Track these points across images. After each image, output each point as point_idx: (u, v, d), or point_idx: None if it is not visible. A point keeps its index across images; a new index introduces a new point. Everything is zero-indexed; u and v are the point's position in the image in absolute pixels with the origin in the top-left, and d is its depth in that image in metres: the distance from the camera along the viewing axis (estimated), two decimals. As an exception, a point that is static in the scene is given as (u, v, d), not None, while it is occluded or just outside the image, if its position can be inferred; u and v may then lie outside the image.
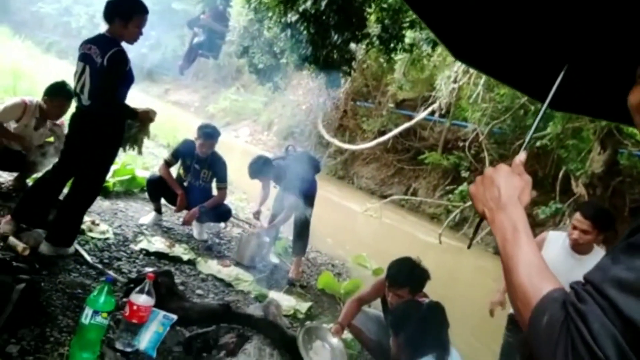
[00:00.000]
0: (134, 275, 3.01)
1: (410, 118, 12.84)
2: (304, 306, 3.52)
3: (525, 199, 0.88)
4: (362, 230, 9.49)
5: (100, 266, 2.87)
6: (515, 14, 1.36)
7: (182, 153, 4.16)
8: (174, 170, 4.30)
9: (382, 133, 13.00)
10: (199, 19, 6.37)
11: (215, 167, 4.23)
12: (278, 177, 4.11)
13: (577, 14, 1.24)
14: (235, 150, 13.35)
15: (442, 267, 7.68)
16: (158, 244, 3.53)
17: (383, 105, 13.70)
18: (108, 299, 2.06)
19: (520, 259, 0.77)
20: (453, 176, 12.14)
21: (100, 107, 2.76)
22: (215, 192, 4.36)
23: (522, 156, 0.96)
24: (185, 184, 4.18)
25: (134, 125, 2.96)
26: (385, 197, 12.38)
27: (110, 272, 2.83)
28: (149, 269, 3.10)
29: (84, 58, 2.75)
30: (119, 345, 2.17)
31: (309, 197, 4.15)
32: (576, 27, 1.28)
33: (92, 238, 3.23)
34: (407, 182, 13.22)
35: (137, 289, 2.24)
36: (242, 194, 7.77)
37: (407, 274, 2.61)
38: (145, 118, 2.96)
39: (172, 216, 4.37)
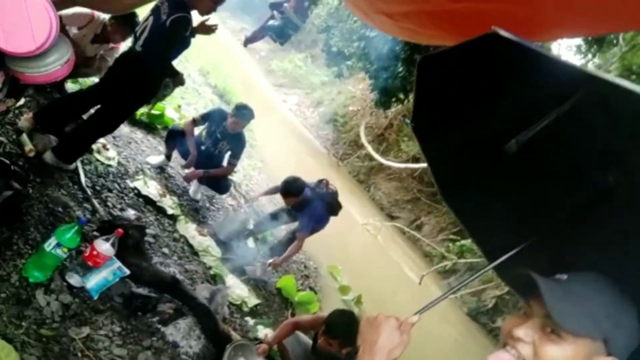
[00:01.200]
0: (116, 211, 3.20)
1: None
2: (252, 301, 3.68)
3: (394, 355, 1.01)
4: (352, 242, 9.59)
5: (89, 192, 3.06)
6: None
7: (211, 119, 4.32)
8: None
9: (415, 159, 12.95)
10: (281, 4, 6.44)
11: (236, 143, 4.37)
12: (299, 204, 4.23)
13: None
14: (276, 114, 13.49)
15: (407, 308, 7.76)
16: (152, 188, 3.71)
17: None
18: (74, 237, 2.24)
19: None
20: (461, 228, 12.09)
21: (150, 58, 2.92)
22: (225, 163, 4.51)
23: (414, 319, 1.08)
24: (202, 146, 4.33)
25: (169, 85, 3.12)
26: (392, 217, 12.43)
27: (96, 204, 3.00)
28: (131, 212, 3.31)
29: (154, 10, 2.90)
30: (68, 277, 2.36)
31: (315, 230, 4.34)
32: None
33: (97, 160, 3.42)
34: (418, 213, 13.20)
35: (104, 237, 2.42)
36: (259, 162, 7.91)
37: (342, 329, 2.75)
38: (178, 84, 3.13)
39: (178, 166, 4.55)
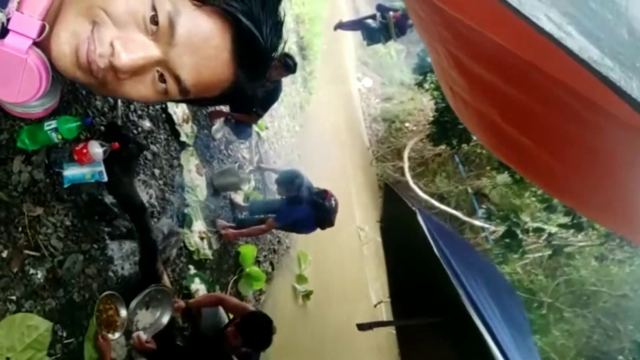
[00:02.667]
0: (134, 116, 3.30)
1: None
2: (205, 253, 3.81)
3: None
4: (338, 239, 9.66)
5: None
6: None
7: None
8: None
9: (441, 198, 12.84)
10: (388, 10, 6.32)
11: (268, 94, 4.37)
12: (290, 198, 4.30)
13: None
14: (345, 87, 13.39)
15: (346, 323, 7.87)
16: (179, 110, 3.80)
17: (467, 183, 13.39)
18: (72, 130, 2.34)
19: None
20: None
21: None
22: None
23: None
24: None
25: None
26: (388, 236, 12.46)
27: (119, 101, 3.10)
28: (147, 124, 3.42)
29: None
30: (52, 157, 2.48)
31: (294, 229, 4.48)
32: None
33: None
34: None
35: (101, 142, 2.53)
36: (298, 125, 7.91)
37: (254, 330, 2.86)
38: None
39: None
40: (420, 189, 12.82)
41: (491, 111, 2.05)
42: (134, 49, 0.68)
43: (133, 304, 2.76)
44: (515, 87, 1.48)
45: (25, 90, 0.73)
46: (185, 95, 0.77)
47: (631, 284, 9.63)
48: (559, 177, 1.79)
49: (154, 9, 0.68)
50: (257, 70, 0.79)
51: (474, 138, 7.78)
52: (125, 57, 0.68)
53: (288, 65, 4.23)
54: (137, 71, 0.71)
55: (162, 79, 0.74)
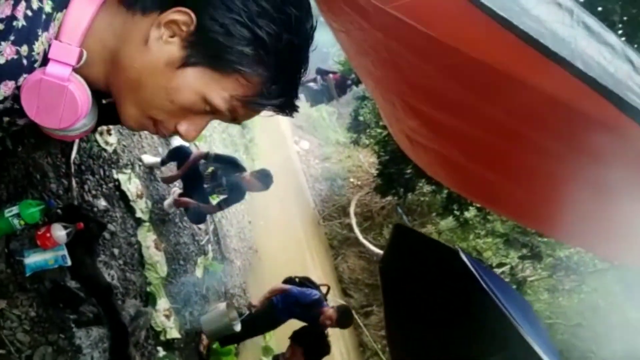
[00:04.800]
0: (89, 196, 3.23)
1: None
2: (173, 333, 3.64)
3: None
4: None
5: (73, 169, 3.10)
6: None
7: (224, 164, 4.42)
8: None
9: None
10: (327, 73, 6.76)
11: (236, 195, 4.47)
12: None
13: None
14: (283, 151, 13.67)
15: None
16: (133, 186, 3.75)
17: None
18: (35, 215, 2.28)
19: None
20: (405, 334, 12.00)
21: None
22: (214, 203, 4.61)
23: None
24: (199, 179, 4.39)
25: None
26: (346, 294, 12.37)
27: (74, 183, 3.04)
28: (102, 203, 3.34)
29: None
30: (12, 246, 2.37)
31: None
32: None
33: (95, 141, 3.47)
34: (372, 300, 13.10)
35: (64, 224, 2.45)
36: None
37: (310, 339, 2.85)
38: None
39: (170, 172, 4.61)
40: (370, 242, 12.99)
41: (454, 153, 2.22)
42: (196, 127, 0.78)
43: None
44: (477, 127, 1.64)
45: (67, 117, 0.76)
46: None
47: (582, 312, 10.00)
48: (526, 204, 1.94)
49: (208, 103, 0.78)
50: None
51: (419, 186, 8.12)
52: (191, 137, 0.78)
53: (267, 182, 4.40)
54: None
55: None
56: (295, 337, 3.00)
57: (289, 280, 4.63)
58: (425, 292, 1.37)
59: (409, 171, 6.56)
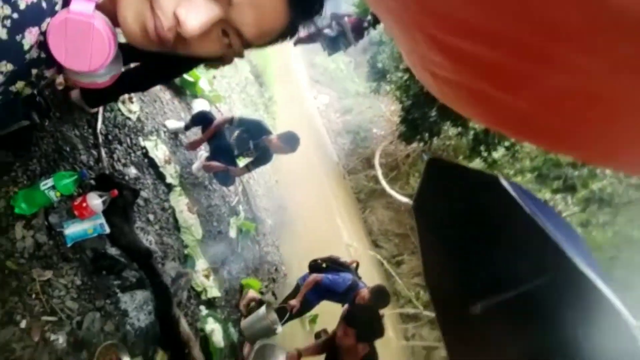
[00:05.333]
0: (119, 165, 3.26)
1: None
2: (213, 292, 3.74)
3: None
4: (329, 257, 9.62)
5: (101, 139, 3.11)
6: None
7: (249, 128, 4.36)
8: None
9: (418, 198, 12.99)
10: (343, 17, 6.50)
11: (264, 158, 4.43)
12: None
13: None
14: (303, 107, 13.53)
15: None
16: (160, 152, 3.77)
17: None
18: (70, 186, 2.30)
19: None
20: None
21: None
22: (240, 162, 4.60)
23: None
24: (225, 143, 4.37)
25: None
26: (376, 246, 12.49)
27: (103, 153, 3.06)
28: (133, 171, 3.37)
29: None
30: (51, 219, 2.42)
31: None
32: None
33: (118, 110, 3.48)
34: (402, 249, 13.24)
35: (99, 193, 2.48)
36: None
37: (364, 321, 2.81)
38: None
39: (194, 136, 4.61)
40: (398, 192, 12.95)
41: (482, 84, 2.11)
42: (197, 14, 0.70)
43: None
44: (502, 52, 1.55)
45: (96, 56, 0.73)
46: (248, 47, 0.80)
47: (617, 245, 9.87)
48: (560, 131, 1.85)
49: None
50: (311, 8, 0.82)
51: (444, 129, 7.95)
52: (191, 26, 0.70)
53: (294, 145, 4.34)
54: (203, 33, 0.74)
55: (225, 34, 0.77)
56: (348, 317, 2.88)
57: (314, 266, 4.51)
58: (464, 224, 1.33)
59: (433, 114, 6.42)
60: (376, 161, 13.61)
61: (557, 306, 1.14)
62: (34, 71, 0.77)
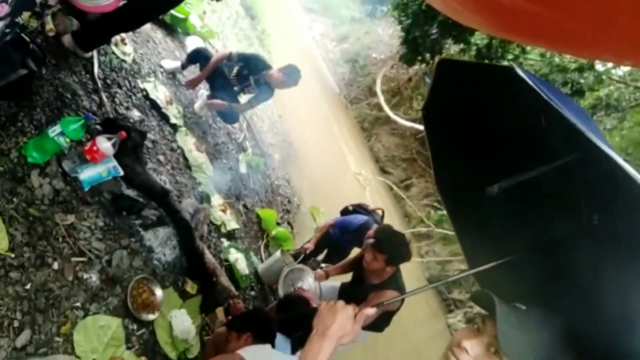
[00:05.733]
0: (122, 109, 3.24)
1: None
2: (232, 225, 3.83)
3: (344, 341, 1.11)
4: (340, 188, 9.74)
5: (100, 84, 3.08)
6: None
7: (249, 63, 4.23)
8: None
9: (423, 121, 12.88)
10: None
11: (265, 93, 4.36)
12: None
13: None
14: (298, 39, 13.15)
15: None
16: (160, 94, 3.73)
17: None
18: (78, 130, 2.31)
19: None
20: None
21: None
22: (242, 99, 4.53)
23: (370, 312, 1.19)
24: (225, 79, 4.28)
25: None
26: (384, 172, 12.58)
27: (104, 98, 3.03)
28: (136, 113, 3.36)
29: None
30: (64, 165, 2.44)
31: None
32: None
33: (113, 53, 3.40)
34: (410, 173, 13.34)
35: (107, 135, 2.49)
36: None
37: (393, 246, 2.91)
38: None
39: (192, 75, 4.54)
40: (402, 117, 12.85)
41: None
42: None
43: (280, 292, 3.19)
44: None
45: None
46: None
47: (625, 148, 9.87)
48: (574, 32, 1.80)
49: None
50: None
51: (446, 47, 7.75)
52: None
53: (295, 78, 4.26)
54: None
55: None
56: (377, 244, 2.91)
57: (344, 211, 4.54)
58: (480, 118, 1.32)
59: (434, 32, 6.23)
60: (378, 88, 13.39)
61: (578, 187, 1.14)
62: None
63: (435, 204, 11.94)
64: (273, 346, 2.37)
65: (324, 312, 1.14)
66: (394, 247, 2.92)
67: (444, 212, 11.02)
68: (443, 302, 10.65)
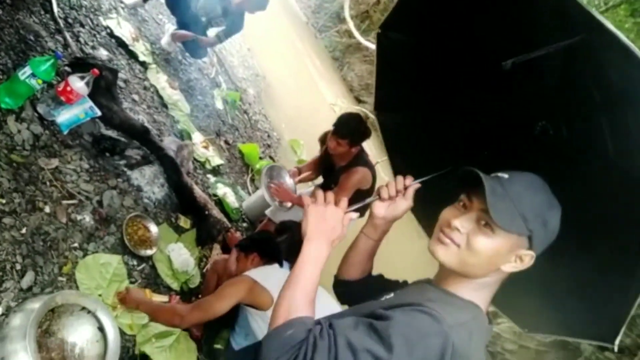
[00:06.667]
0: (88, 48, 3.11)
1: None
2: (216, 160, 3.83)
3: (334, 244, 1.12)
4: (317, 119, 9.68)
5: (62, 23, 2.93)
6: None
7: None
8: None
9: (395, 45, 12.66)
10: None
11: (235, 24, 4.22)
12: None
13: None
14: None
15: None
16: (125, 30, 3.57)
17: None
18: (49, 70, 2.22)
19: (303, 282, 1.02)
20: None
21: None
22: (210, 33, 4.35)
23: (353, 216, 1.21)
24: (197, 15, 4.07)
25: None
26: (359, 101, 12.51)
27: (68, 37, 2.90)
28: (103, 52, 3.23)
29: None
30: (39, 109, 2.38)
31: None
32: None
33: (70, -9, 3.22)
34: (385, 100, 13.30)
35: (80, 75, 2.41)
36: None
37: (351, 127, 3.03)
38: None
39: (154, 9, 4.34)
40: (373, 43, 12.57)
41: None
42: None
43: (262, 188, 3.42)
44: None
45: None
46: None
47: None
48: None
49: None
50: None
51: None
52: None
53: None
54: None
55: None
56: (337, 129, 3.03)
57: None
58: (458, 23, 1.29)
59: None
60: (346, 13, 13.00)
61: (586, 68, 1.11)
62: None
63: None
64: (281, 265, 2.46)
65: (314, 214, 1.11)
66: (352, 128, 3.03)
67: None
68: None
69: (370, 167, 3.21)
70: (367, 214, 1.38)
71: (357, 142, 3.07)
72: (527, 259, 1.01)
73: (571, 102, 1.19)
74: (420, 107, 1.63)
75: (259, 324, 2.25)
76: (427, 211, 1.33)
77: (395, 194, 1.26)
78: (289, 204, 3.39)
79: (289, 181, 3.65)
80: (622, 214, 1.13)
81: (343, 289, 1.43)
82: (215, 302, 2.17)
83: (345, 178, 3.10)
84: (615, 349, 1.19)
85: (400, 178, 1.28)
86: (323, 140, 3.62)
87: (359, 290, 1.36)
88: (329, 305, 1.93)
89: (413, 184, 1.28)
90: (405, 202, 1.28)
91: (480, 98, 1.37)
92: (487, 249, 0.99)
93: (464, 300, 1.04)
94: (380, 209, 1.30)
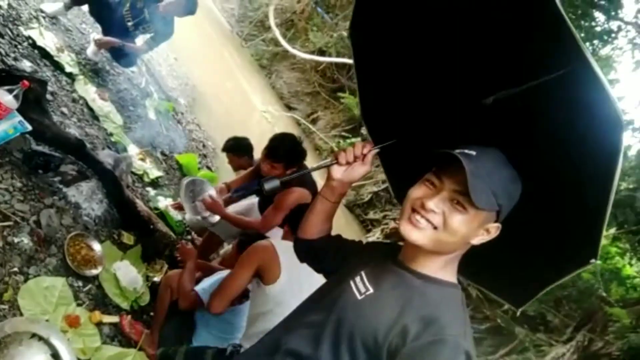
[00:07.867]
0: (10, 60, 2.90)
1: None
2: (154, 173, 3.70)
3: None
4: (249, 127, 9.63)
5: (-22, 34, 2.72)
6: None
7: None
8: None
9: (321, 52, 12.86)
10: None
11: (164, 31, 4.05)
12: None
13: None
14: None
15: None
16: (48, 41, 3.37)
17: (339, 28, 13.45)
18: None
19: None
20: (355, 126, 12.67)
21: None
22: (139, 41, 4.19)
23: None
24: (124, 18, 3.91)
25: None
26: (289, 108, 12.56)
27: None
28: (27, 64, 3.03)
29: None
30: (-37, 128, 2.19)
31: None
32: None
33: (-17, -2, 2.99)
34: (315, 106, 13.45)
35: (7, 88, 2.24)
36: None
37: (286, 150, 2.81)
38: None
39: (77, 18, 4.13)
40: (300, 51, 12.73)
41: None
42: None
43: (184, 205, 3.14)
44: None
45: None
46: None
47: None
48: None
49: None
50: None
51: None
52: None
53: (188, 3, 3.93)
54: None
55: None
56: (270, 154, 2.85)
57: None
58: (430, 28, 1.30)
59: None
60: (271, 21, 13.02)
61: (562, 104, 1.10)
62: None
63: (344, 133, 12.28)
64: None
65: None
66: (287, 150, 2.84)
67: (354, 139, 11.39)
68: (361, 223, 11.25)
69: (309, 186, 2.97)
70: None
71: (293, 164, 2.84)
72: (493, 230, 1.06)
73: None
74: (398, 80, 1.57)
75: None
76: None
77: (353, 160, 1.27)
78: (216, 218, 3.18)
79: (215, 196, 3.25)
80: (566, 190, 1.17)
81: (303, 247, 1.44)
82: (238, 271, 2.16)
83: (281, 198, 2.83)
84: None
85: (359, 144, 1.29)
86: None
87: (320, 248, 1.40)
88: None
89: (372, 150, 1.28)
90: (363, 167, 1.28)
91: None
92: (463, 227, 1.03)
93: (447, 283, 1.09)
94: (337, 172, 1.29)
